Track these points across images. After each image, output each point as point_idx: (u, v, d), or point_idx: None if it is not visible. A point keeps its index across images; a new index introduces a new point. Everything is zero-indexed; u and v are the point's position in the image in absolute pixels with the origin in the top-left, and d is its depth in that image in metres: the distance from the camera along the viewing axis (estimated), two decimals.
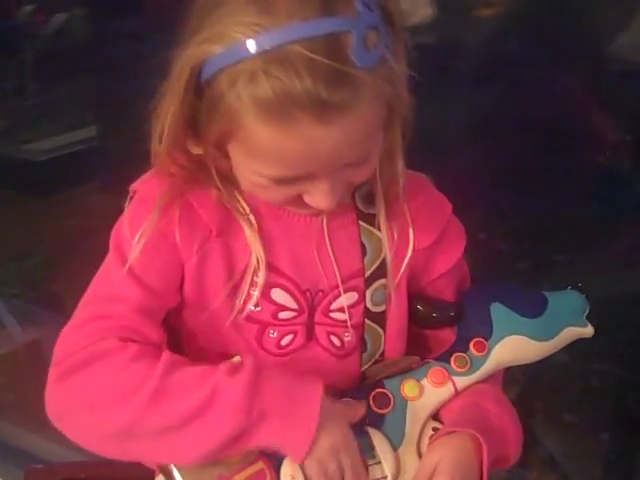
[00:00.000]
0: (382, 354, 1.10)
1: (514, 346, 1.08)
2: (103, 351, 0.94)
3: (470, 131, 2.24)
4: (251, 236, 1.00)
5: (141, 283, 0.98)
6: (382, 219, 1.05)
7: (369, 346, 1.08)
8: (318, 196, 0.92)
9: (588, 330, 1.11)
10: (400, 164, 1.00)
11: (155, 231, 0.97)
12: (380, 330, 1.08)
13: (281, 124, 0.84)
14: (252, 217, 1.00)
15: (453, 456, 0.99)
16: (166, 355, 0.94)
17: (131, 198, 1.02)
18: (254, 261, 1.00)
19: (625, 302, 2.17)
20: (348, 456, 0.95)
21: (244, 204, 1.00)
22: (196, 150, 0.96)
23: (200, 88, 0.88)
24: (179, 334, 1.05)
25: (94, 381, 0.94)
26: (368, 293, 1.06)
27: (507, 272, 2.17)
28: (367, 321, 1.07)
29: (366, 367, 1.09)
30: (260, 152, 0.88)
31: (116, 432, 0.93)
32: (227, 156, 0.94)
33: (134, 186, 1.02)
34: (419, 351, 1.11)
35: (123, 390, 0.92)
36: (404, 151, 1.00)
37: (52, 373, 0.96)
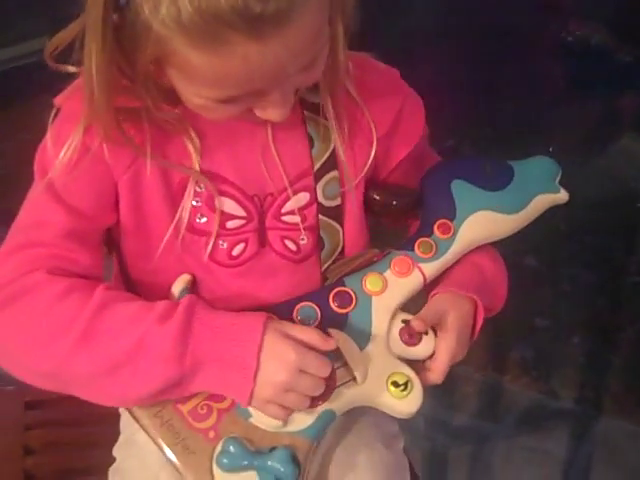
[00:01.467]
0: (342, 251, 1.03)
1: (481, 223, 1.01)
2: (30, 286, 0.88)
3: (435, 37, 2.22)
4: (189, 145, 0.92)
5: (65, 205, 0.91)
6: (329, 108, 0.97)
7: (327, 244, 1.01)
8: (269, 109, 0.85)
9: (561, 195, 1.04)
10: (342, 54, 0.91)
11: (80, 147, 0.89)
12: (337, 226, 1.01)
13: (213, 47, 0.75)
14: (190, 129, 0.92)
15: (457, 315, 0.97)
16: (98, 292, 0.88)
17: (55, 115, 0.92)
18: (195, 166, 0.92)
19: (593, 206, 2.16)
20: (306, 379, 0.88)
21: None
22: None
23: (121, 12, 0.78)
24: (124, 258, 0.99)
25: (22, 319, 0.88)
26: (319, 188, 0.99)
27: None
28: (322, 217, 1.00)
29: (326, 267, 1.02)
30: (199, 76, 0.80)
31: (46, 373, 0.89)
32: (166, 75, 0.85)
33: (58, 100, 0.93)
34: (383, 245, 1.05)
35: (50, 330, 0.87)
36: (348, 40, 0.92)
37: None
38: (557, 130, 2.27)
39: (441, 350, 0.96)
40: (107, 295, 0.89)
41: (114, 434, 1.08)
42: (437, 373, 0.96)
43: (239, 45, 0.75)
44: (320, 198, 0.99)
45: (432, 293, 1.00)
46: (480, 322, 0.99)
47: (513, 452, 1.92)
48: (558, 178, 1.05)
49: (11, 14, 2.55)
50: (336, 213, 1.01)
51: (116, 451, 1.06)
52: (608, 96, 2.36)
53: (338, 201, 1.01)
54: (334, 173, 0.99)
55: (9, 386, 1.27)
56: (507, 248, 1.07)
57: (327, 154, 0.99)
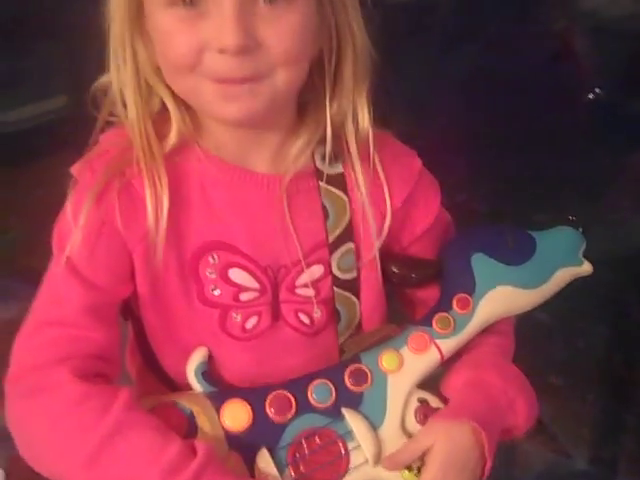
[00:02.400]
0: (359, 324, 1.01)
1: (501, 298, 0.98)
2: (51, 384, 0.89)
3: (450, 92, 2.23)
4: (151, 201, 0.90)
5: (83, 279, 0.91)
6: (349, 177, 0.97)
7: (343, 317, 0.99)
8: (220, 25, 0.82)
9: (585, 268, 1.02)
10: (366, 122, 0.94)
11: (94, 219, 0.90)
12: (354, 298, 1.00)
13: None
14: (164, 180, 0.91)
15: (447, 448, 0.91)
16: (115, 409, 0.87)
17: (74, 183, 0.93)
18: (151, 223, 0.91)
19: (607, 261, 2.14)
20: None
21: (160, 171, 0.91)
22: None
23: None
24: (140, 325, 0.99)
25: (40, 415, 0.89)
26: (333, 260, 0.97)
27: None
28: (337, 290, 0.98)
29: (343, 339, 1.00)
30: None
31: (51, 473, 0.90)
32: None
33: (74, 170, 0.94)
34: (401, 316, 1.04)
35: (63, 438, 0.87)
36: (371, 112, 0.95)
37: (8, 388, 0.92)
38: (571, 184, 2.27)
39: None
40: (123, 417, 0.87)
41: None
42: None
43: None
44: (335, 270, 0.98)
45: (429, 419, 0.95)
46: (489, 449, 0.92)
47: None
48: (582, 250, 1.02)
49: (30, 73, 2.59)
50: (352, 285, 0.99)
51: None
52: (623, 151, 2.36)
53: (354, 273, 0.99)
54: (349, 245, 0.98)
55: None
56: None
57: (342, 226, 0.98)
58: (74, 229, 0.90)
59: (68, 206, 0.92)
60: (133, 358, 1.05)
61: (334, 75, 0.94)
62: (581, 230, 1.03)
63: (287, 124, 0.96)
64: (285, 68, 0.87)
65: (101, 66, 0.94)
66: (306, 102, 0.97)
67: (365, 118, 0.95)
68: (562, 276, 1.00)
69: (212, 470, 0.85)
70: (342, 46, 0.93)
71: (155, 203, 0.91)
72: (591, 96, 2.21)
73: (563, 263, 1.00)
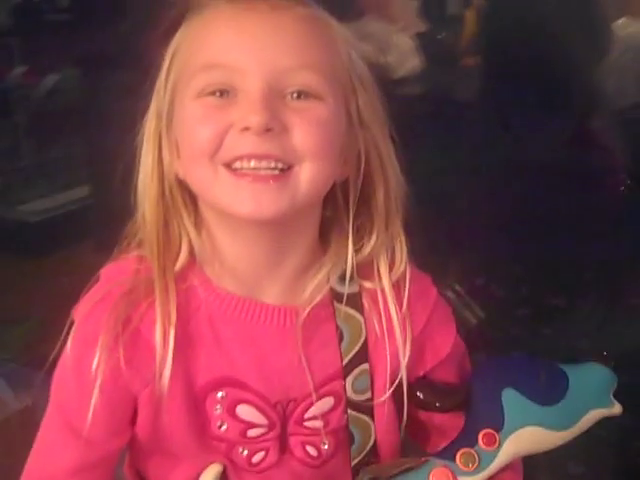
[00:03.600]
0: (374, 445, 0.98)
1: (529, 438, 0.95)
2: None
3: (466, 177, 2.25)
4: (160, 340, 0.88)
5: (78, 435, 0.89)
6: (364, 294, 0.96)
7: (357, 438, 0.97)
8: (246, 107, 0.83)
9: (615, 410, 0.99)
10: (403, 252, 0.94)
11: (97, 376, 0.87)
12: (368, 419, 0.97)
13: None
14: (173, 313, 0.89)
15: None
16: None
17: (74, 327, 0.91)
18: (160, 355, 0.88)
19: (627, 347, 2.07)
20: None
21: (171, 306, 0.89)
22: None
23: None
24: (139, 458, 0.97)
25: None
26: (348, 382, 0.95)
27: (505, 318, 2.17)
28: (351, 412, 0.96)
29: (356, 462, 0.97)
30: (190, 55, 0.88)
31: None
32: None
33: (75, 314, 0.92)
34: (419, 439, 1.02)
35: None
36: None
37: None
38: (590, 267, 2.26)
39: None
40: None
41: None
42: None
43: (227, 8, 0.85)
44: (349, 392, 0.95)
45: None
46: None
47: None
48: (613, 389, 0.99)
49: (53, 165, 2.65)
50: (366, 407, 0.97)
51: None
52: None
53: (368, 395, 0.96)
54: (364, 366, 0.96)
55: None
56: None
57: (357, 347, 0.95)
58: (76, 386, 0.89)
59: (69, 355, 0.90)
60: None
61: (363, 203, 0.94)
62: (612, 365, 1.00)
63: (308, 247, 0.94)
64: (310, 162, 0.85)
65: (123, 157, 0.95)
66: (328, 232, 0.96)
67: (404, 251, 0.94)
68: (592, 417, 0.97)
69: None
70: (371, 173, 0.92)
71: (163, 340, 0.88)
72: (622, 188, 2.22)
73: (595, 405, 0.97)
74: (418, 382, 0.98)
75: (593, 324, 1.92)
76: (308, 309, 0.91)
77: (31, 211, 2.83)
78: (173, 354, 0.88)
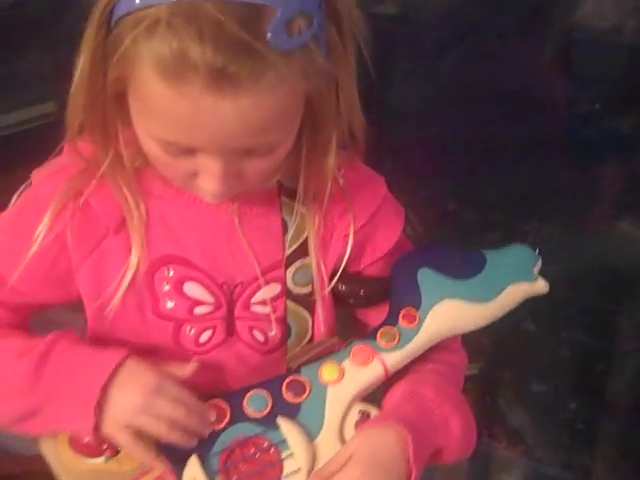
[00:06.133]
0: (310, 341, 0.98)
1: (449, 312, 0.95)
2: None
3: (438, 101, 2.19)
4: (135, 227, 0.91)
5: (4, 283, 0.93)
6: (308, 197, 0.95)
7: (294, 332, 0.97)
8: (206, 178, 0.83)
9: (539, 285, 0.97)
10: (332, 159, 0.90)
11: (42, 234, 0.90)
12: (306, 313, 0.97)
13: (173, 82, 0.76)
14: (142, 207, 0.92)
15: (369, 449, 0.89)
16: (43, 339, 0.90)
17: (26, 186, 0.93)
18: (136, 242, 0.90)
19: (593, 271, 2.14)
20: (163, 402, 0.88)
21: (131, 195, 0.91)
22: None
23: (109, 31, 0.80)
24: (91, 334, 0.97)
25: None
26: (289, 273, 0.96)
27: (476, 243, 1.87)
28: (290, 303, 0.96)
29: (291, 355, 0.98)
30: (150, 106, 0.80)
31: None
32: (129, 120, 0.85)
33: (34, 176, 0.94)
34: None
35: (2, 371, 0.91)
36: (340, 145, 0.91)
37: None
38: (560, 194, 2.26)
39: None
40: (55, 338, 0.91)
41: None
42: None
43: (196, 89, 0.75)
44: (289, 284, 0.96)
45: (358, 428, 0.94)
46: (416, 457, 0.89)
47: None
48: (537, 268, 0.98)
49: (19, 79, 2.55)
50: (305, 301, 0.97)
51: None
52: (613, 164, 2.20)
53: (308, 289, 0.97)
54: (305, 260, 0.96)
55: None
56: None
57: (300, 241, 0.96)
58: (8, 236, 0.92)
59: (16, 210, 0.93)
60: None
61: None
62: (538, 251, 0.99)
63: None
64: (265, 182, 0.92)
65: None
66: None
67: (329, 162, 0.92)
68: (514, 292, 0.97)
69: (66, 342, 0.93)
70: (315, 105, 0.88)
71: (111, 216, 0.92)
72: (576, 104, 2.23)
73: (514, 278, 0.97)
74: (341, 275, 0.98)
75: (559, 248, 1.92)
76: (243, 196, 0.91)
77: None
78: (121, 231, 0.91)
